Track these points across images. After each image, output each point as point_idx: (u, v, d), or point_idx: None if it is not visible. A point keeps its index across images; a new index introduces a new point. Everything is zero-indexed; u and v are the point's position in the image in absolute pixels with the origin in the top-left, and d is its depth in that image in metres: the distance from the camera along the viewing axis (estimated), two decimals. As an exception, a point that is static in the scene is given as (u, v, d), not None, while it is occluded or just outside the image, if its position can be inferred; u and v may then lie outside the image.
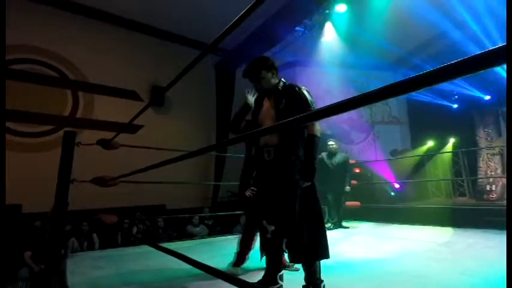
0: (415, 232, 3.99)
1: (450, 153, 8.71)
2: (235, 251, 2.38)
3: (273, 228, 1.80)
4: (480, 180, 7.93)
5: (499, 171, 7.80)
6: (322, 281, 1.77)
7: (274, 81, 1.95)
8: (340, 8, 6.27)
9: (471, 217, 4.49)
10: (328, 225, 4.36)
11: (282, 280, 1.84)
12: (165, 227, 6.14)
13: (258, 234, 2.04)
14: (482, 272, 2.13)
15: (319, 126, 1.86)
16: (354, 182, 4.97)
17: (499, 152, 7.86)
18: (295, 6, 5.96)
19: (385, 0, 5.97)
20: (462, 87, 8.12)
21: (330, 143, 4.71)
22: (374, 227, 4.64)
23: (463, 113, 8.38)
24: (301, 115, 0.62)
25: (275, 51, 7.14)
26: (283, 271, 1.87)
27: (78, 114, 6.85)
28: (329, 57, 7.33)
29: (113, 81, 7.26)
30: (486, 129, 8.13)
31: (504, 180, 7.60)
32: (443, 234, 3.70)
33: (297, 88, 1.90)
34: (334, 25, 6.80)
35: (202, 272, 0.94)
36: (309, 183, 1.76)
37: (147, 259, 2.81)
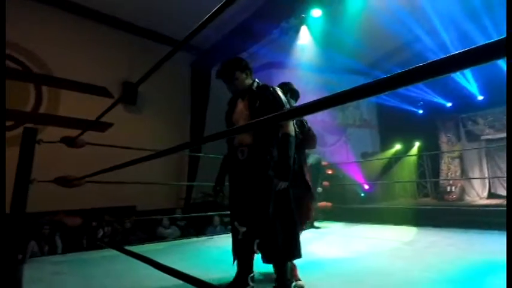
0: (382, 231, 4.17)
1: (415, 156, 9.17)
2: (207, 252, 2.33)
3: (244, 229, 1.78)
4: (441, 181, 8.44)
5: (458, 173, 8.35)
6: (292, 281, 1.78)
7: (248, 82, 1.94)
8: (316, 12, 6.43)
9: (433, 217, 4.77)
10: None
11: (253, 281, 1.82)
12: (136, 228, 5.93)
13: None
14: (442, 268, 2.26)
15: (294, 126, 1.87)
16: (325, 183, 5.08)
17: (458, 155, 8.42)
18: (272, 8, 6.01)
19: (359, 7, 6.19)
20: (427, 93, 8.58)
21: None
22: (344, 227, 4.79)
23: (428, 118, 8.87)
24: (275, 113, 0.61)
25: (251, 52, 7.15)
26: (253, 273, 1.86)
27: (42, 110, 6.43)
28: (304, 60, 7.48)
29: (82, 76, 6.83)
30: (447, 134, 8.68)
31: (462, 182, 8.16)
32: (407, 233, 3.89)
33: (271, 89, 1.90)
34: (309, 29, 6.96)
35: (170, 276, 0.90)
36: (286, 185, 1.75)
37: (113, 263, 2.67)
